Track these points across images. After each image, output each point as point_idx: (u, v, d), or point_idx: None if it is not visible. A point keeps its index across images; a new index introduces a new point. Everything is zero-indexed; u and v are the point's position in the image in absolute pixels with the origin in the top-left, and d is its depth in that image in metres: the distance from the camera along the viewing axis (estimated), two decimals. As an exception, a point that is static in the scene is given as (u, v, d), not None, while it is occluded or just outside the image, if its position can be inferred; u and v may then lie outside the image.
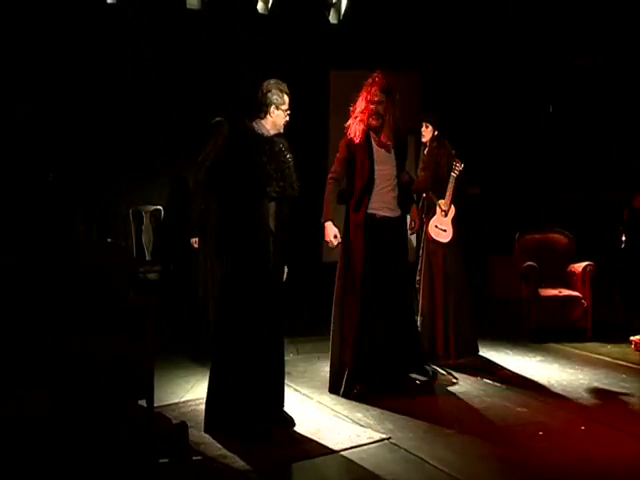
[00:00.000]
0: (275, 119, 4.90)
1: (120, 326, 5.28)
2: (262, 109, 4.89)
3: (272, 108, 4.87)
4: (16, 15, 7.37)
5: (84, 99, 7.84)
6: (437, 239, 6.52)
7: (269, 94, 4.86)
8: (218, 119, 7.20)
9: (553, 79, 9.30)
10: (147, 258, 8.30)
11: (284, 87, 4.93)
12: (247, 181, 4.76)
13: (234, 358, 4.79)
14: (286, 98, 4.91)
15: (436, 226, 6.52)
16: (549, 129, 9.40)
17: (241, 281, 4.81)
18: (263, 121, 4.91)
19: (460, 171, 6.42)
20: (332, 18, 7.07)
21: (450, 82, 8.96)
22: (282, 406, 4.99)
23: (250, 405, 4.77)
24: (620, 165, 8.85)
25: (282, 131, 4.96)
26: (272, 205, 4.83)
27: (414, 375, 5.99)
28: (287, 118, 4.93)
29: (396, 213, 5.73)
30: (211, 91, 8.15)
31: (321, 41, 8.19)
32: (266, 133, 4.89)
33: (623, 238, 8.37)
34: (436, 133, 6.59)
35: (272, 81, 4.92)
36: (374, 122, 5.60)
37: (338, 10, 7.00)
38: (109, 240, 7.42)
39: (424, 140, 6.67)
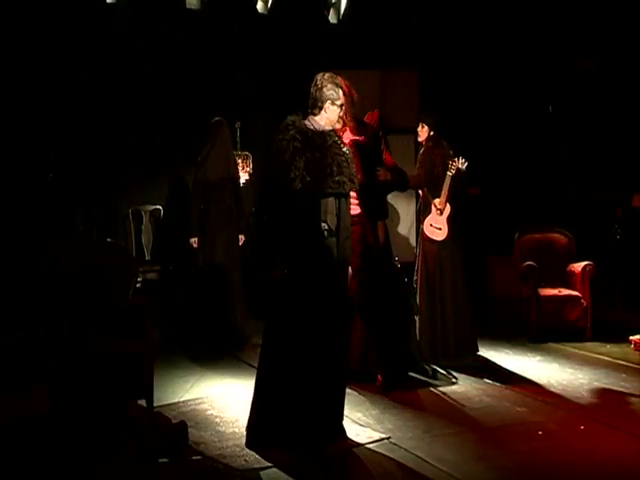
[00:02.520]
0: (330, 115, 4.65)
1: (120, 326, 5.28)
2: (316, 105, 4.63)
3: (327, 104, 4.62)
4: (16, 15, 7.37)
5: (84, 99, 7.84)
6: (432, 237, 6.52)
7: (324, 89, 4.61)
8: (217, 119, 7.22)
9: (553, 79, 9.30)
10: (147, 258, 8.30)
11: (339, 81, 4.70)
12: (299, 179, 4.47)
13: (294, 370, 4.51)
14: (341, 92, 4.68)
15: (431, 224, 6.52)
16: (549, 129, 9.40)
17: (298, 287, 4.52)
18: (317, 117, 4.66)
19: (459, 169, 6.43)
20: (332, 18, 7.05)
21: (450, 81, 8.96)
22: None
23: (307, 418, 4.54)
24: (620, 165, 8.85)
25: (335, 126, 4.78)
26: (331, 201, 4.58)
27: (413, 374, 6.02)
28: (341, 113, 4.74)
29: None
30: (211, 91, 8.16)
31: (321, 41, 8.18)
32: (319, 128, 4.65)
33: (618, 238, 8.38)
34: (432, 133, 6.60)
35: (326, 75, 4.66)
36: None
37: (338, 10, 6.98)
38: (109, 240, 7.42)
39: (420, 140, 6.70)
